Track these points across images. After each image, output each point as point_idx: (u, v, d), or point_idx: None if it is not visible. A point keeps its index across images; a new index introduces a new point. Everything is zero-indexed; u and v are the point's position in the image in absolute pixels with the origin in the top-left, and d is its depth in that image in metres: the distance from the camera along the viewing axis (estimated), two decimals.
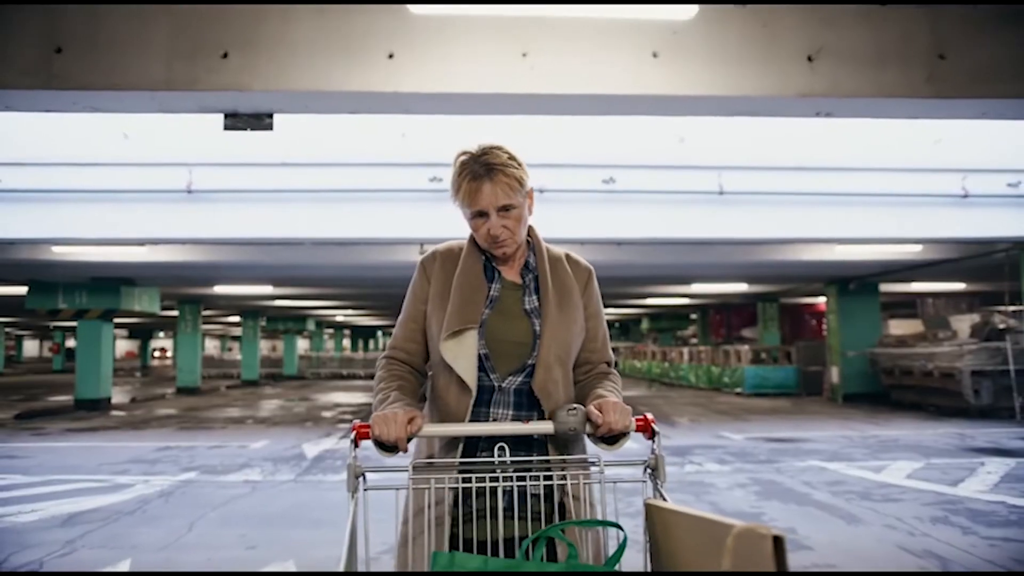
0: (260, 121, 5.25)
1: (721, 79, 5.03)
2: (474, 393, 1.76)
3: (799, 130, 9.89)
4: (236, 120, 5.23)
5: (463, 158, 1.83)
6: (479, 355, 1.79)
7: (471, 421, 1.77)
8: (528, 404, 1.80)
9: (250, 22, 4.78)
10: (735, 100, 5.15)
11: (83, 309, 16.89)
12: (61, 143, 9.98)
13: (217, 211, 10.22)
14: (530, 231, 1.93)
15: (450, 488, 1.69)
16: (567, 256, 1.96)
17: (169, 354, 63.76)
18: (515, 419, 1.79)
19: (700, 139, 10.11)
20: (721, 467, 8.40)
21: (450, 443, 1.77)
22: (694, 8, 3.96)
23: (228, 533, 5.50)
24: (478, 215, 1.81)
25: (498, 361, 1.81)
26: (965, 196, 10.63)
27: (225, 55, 4.79)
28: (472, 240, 1.91)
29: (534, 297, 1.87)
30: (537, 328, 1.82)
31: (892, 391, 16.44)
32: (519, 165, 1.83)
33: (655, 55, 4.93)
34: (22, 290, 17.25)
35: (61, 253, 12.40)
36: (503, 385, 1.81)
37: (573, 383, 1.88)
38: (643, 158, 10.27)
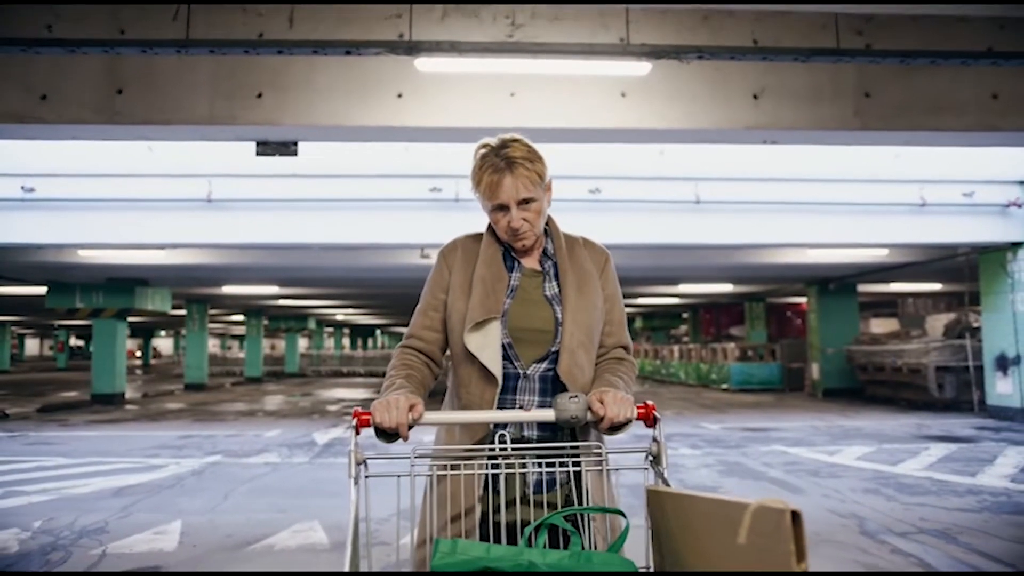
0: (287, 148, 6.13)
1: (680, 114, 5.94)
2: (500, 383, 1.75)
3: (768, 145, 10.73)
4: (266, 147, 6.11)
5: (483, 151, 1.82)
6: (503, 344, 1.78)
7: (498, 410, 1.77)
8: (554, 390, 1.79)
9: (281, 68, 5.67)
10: (692, 132, 6.07)
11: (99, 308, 17.79)
12: (90, 155, 10.83)
13: (234, 218, 11.11)
14: (548, 219, 1.92)
15: (478, 475, 1.68)
16: (584, 240, 1.95)
17: (163, 353, 64.72)
18: (540, 405, 1.79)
19: (678, 153, 11.02)
20: (693, 451, 9.30)
21: (473, 434, 1.77)
22: (648, 65, 4.83)
23: (259, 501, 6.39)
24: (498, 208, 1.81)
25: (522, 349, 1.80)
26: (923, 205, 11.55)
27: (259, 95, 5.68)
28: (491, 230, 1.91)
29: (554, 283, 1.87)
30: (559, 315, 1.81)
31: (867, 386, 17.31)
32: (539, 158, 1.82)
33: (623, 95, 5.84)
34: (38, 290, 18.13)
35: (85, 256, 13.29)
36: (528, 372, 1.80)
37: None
38: (626, 170, 11.19)
